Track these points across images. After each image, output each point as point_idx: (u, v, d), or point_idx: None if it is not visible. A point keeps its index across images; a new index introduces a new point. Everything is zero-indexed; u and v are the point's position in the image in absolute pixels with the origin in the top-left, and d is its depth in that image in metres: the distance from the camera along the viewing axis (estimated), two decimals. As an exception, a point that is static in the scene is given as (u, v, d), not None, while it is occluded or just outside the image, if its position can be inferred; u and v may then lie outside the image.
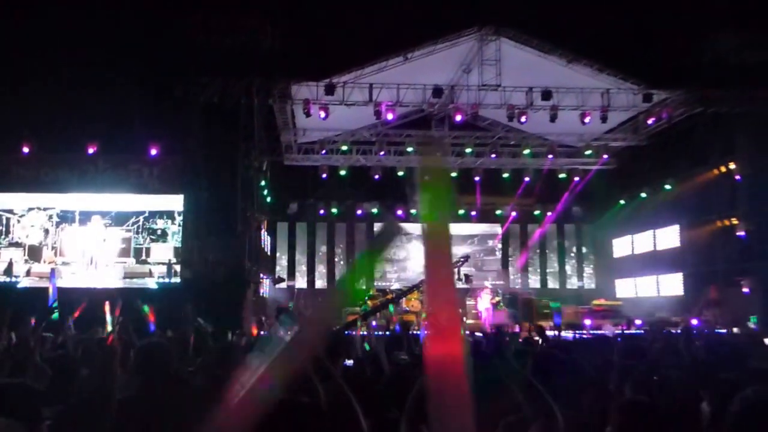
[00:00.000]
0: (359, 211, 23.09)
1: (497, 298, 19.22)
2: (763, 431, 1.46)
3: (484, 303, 18.42)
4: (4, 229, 16.81)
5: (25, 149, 16.28)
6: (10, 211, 16.85)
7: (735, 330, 14.16)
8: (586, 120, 17.07)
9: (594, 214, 24.04)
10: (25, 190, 16.76)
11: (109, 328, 5.78)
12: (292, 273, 23.52)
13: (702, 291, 17.93)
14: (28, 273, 16.56)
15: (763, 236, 16.64)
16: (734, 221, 17.53)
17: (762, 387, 1.66)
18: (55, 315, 6.69)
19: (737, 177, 17.34)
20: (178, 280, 16.44)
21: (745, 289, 16.84)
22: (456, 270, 18.52)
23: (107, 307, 6.29)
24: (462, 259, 19.20)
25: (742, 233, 17.26)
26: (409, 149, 19.43)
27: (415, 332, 8.63)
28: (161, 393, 3.09)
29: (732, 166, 17.39)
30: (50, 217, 16.91)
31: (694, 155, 18.37)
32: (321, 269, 23.86)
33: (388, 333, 10.00)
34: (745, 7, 16.37)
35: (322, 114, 16.55)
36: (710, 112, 16.97)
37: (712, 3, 16.51)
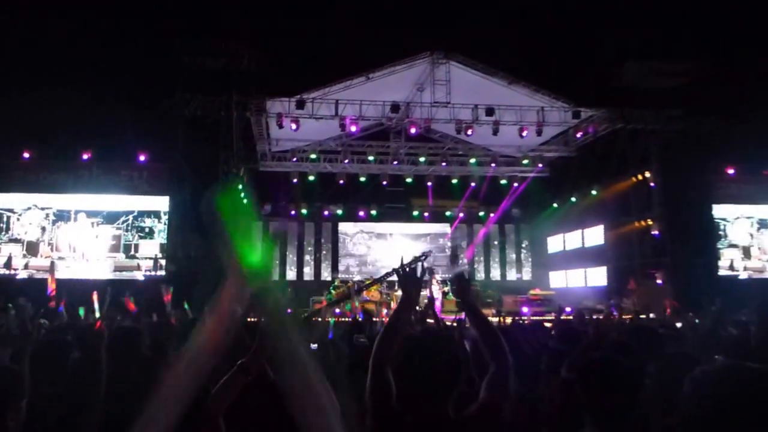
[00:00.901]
0: (326, 212, 23.11)
1: (446, 289, 19.38)
2: (715, 408, 1.39)
3: (434, 293, 18.53)
4: (4, 226, 16.57)
5: (26, 154, 16.02)
6: (11, 210, 16.62)
7: (651, 315, 14.60)
8: (524, 133, 17.18)
9: (531, 215, 24.17)
10: (24, 191, 16.51)
11: (97, 314, 5.78)
12: (266, 266, 23.35)
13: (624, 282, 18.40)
14: (26, 267, 16.30)
15: (672, 235, 17.13)
16: (649, 222, 17.92)
17: (708, 366, 1.59)
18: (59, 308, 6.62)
19: (652, 184, 17.71)
20: (163, 273, 16.30)
21: (659, 281, 17.25)
22: (420, 264, 18.47)
23: (95, 296, 6.28)
24: (424, 255, 19.13)
25: (655, 232, 17.69)
26: (370, 158, 19.54)
27: (374, 319, 8.71)
28: (134, 373, 3.01)
29: (647, 174, 17.76)
30: (47, 215, 16.60)
31: (616, 165, 18.70)
32: (290, 263, 23.78)
33: (350, 320, 10.06)
34: (655, 40, 16.93)
35: (294, 126, 16.49)
36: (629, 128, 17.38)
37: (630, 37, 17.03)
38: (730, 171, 18.79)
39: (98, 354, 3.20)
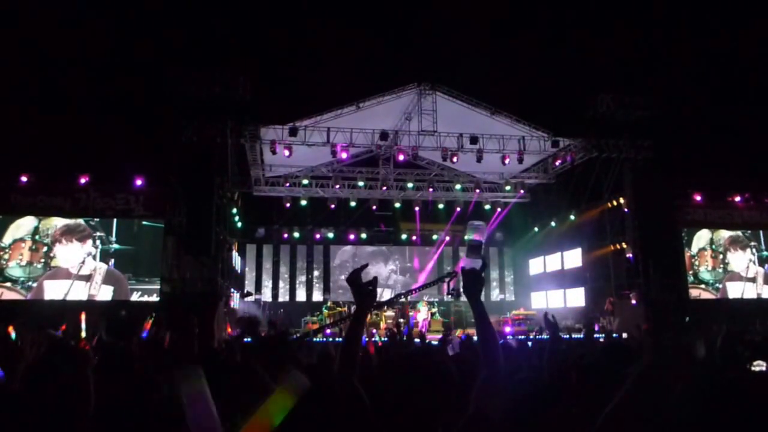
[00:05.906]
0: (317, 236, 22.92)
1: (433, 310, 19.18)
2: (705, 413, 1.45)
3: (422, 315, 18.34)
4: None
5: (24, 178, 15.55)
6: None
7: (624, 335, 14.45)
8: (506, 161, 17.28)
9: (513, 238, 24.24)
10: (21, 214, 15.91)
11: (84, 334, 5.54)
12: (258, 288, 22.97)
13: (600, 302, 18.30)
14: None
15: (645, 258, 17.07)
16: (623, 245, 17.87)
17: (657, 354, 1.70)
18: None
19: (625, 210, 17.72)
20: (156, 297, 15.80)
21: (633, 301, 17.17)
22: (446, 284, 17.95)
23: (83, 317, 6.01)
24: (449, 275, 18.54)
25: (629, 255, 17.60)
26: (360, 183, 19.45)
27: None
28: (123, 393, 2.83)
29: (621, 200, 17.79)
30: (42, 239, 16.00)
31: (592, 192, 18.77)
32: (283, 284, 23.44)
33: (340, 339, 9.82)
34: (628, 75, 17.20)
35: (287, 152, 16.37)
36: (604, 156, 17.44)
37: (604, 72, 17.32)
38: (698, 197, 18.94)
39: (85, 374, 2.98)
